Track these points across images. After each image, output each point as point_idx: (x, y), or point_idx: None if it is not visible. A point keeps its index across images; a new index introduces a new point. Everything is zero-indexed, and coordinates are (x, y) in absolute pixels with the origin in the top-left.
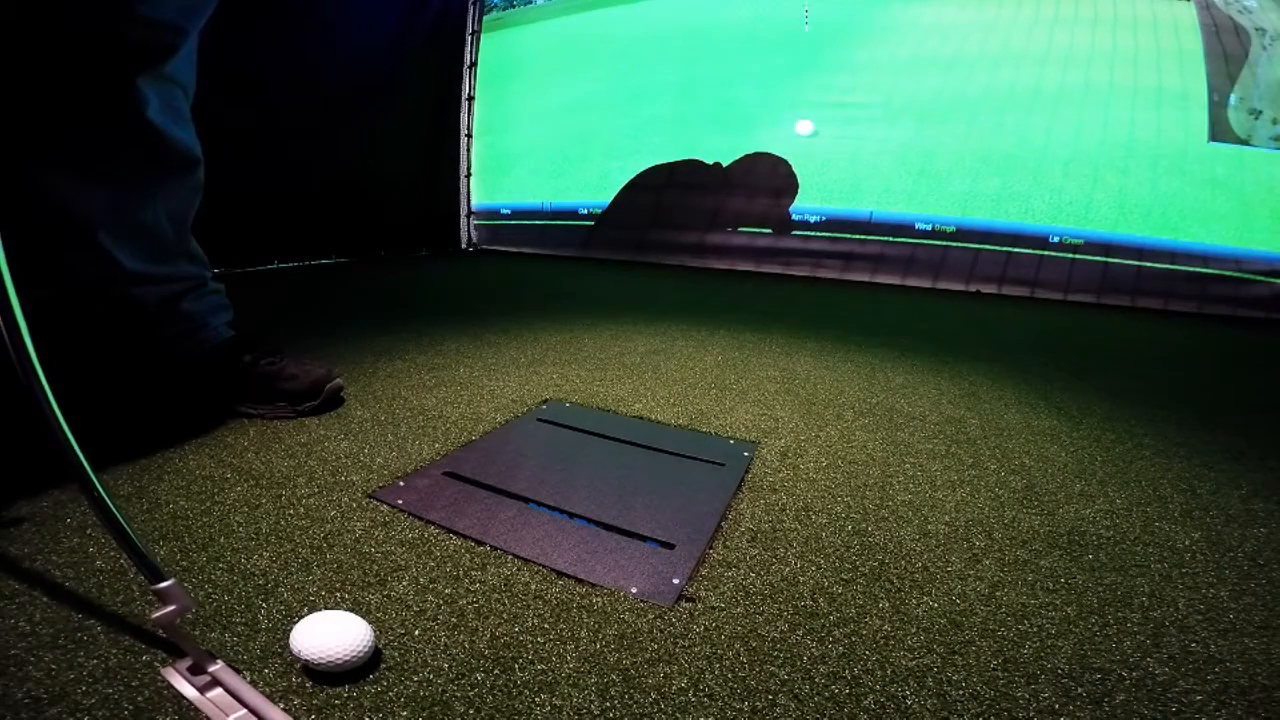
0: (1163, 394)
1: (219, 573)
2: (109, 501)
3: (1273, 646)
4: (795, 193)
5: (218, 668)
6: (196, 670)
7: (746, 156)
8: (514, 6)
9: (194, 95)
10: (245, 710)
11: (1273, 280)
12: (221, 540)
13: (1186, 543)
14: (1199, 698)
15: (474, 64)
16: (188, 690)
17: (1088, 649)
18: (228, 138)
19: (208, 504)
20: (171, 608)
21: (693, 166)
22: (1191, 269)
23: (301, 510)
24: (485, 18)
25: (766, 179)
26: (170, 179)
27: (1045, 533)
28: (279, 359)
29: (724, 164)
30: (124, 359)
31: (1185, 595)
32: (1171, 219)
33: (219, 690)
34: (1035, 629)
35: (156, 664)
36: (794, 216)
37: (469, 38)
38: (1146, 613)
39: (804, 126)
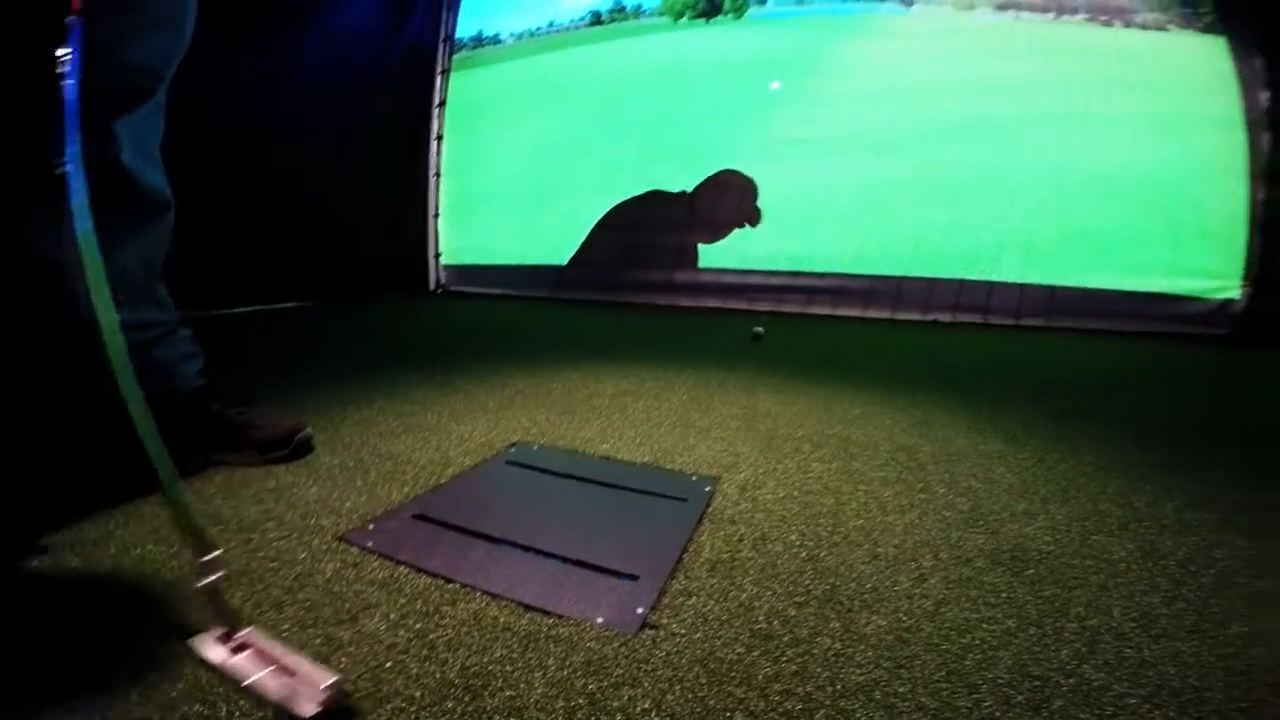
0: (1105, 412)
1: (192, 612)
2: (173, 483)
3: (1202, 649)
4: (758, 218)
5: (248, 632)
6: (228, 637)
7: (712, 182)
8: (483, 46)
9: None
10: (274, 667)
11: (1206, 297)
12: (190, 584)
13: (1122, 554)
14: (1133, 701)
15: (443, 102)
16: (218, 653)
17: (1027, 658)
18: (186, 176)
19: (174, 549)
20: (218, 574)
21: (661, 202)
22: (1132, 289)
23: (272, 553)
24: (455, 56)
25: (732, 214)
26: (142, 223)
27: (989, 550)
28: (248, 408)
29: (688, 189)
30: (93, 407)
31: (1120, 604)
32: (1108, 242)
33: (249, 652)
34: (978, 642)
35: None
36: (759, 251)
37: (439, 76)
38: (1083, 622)
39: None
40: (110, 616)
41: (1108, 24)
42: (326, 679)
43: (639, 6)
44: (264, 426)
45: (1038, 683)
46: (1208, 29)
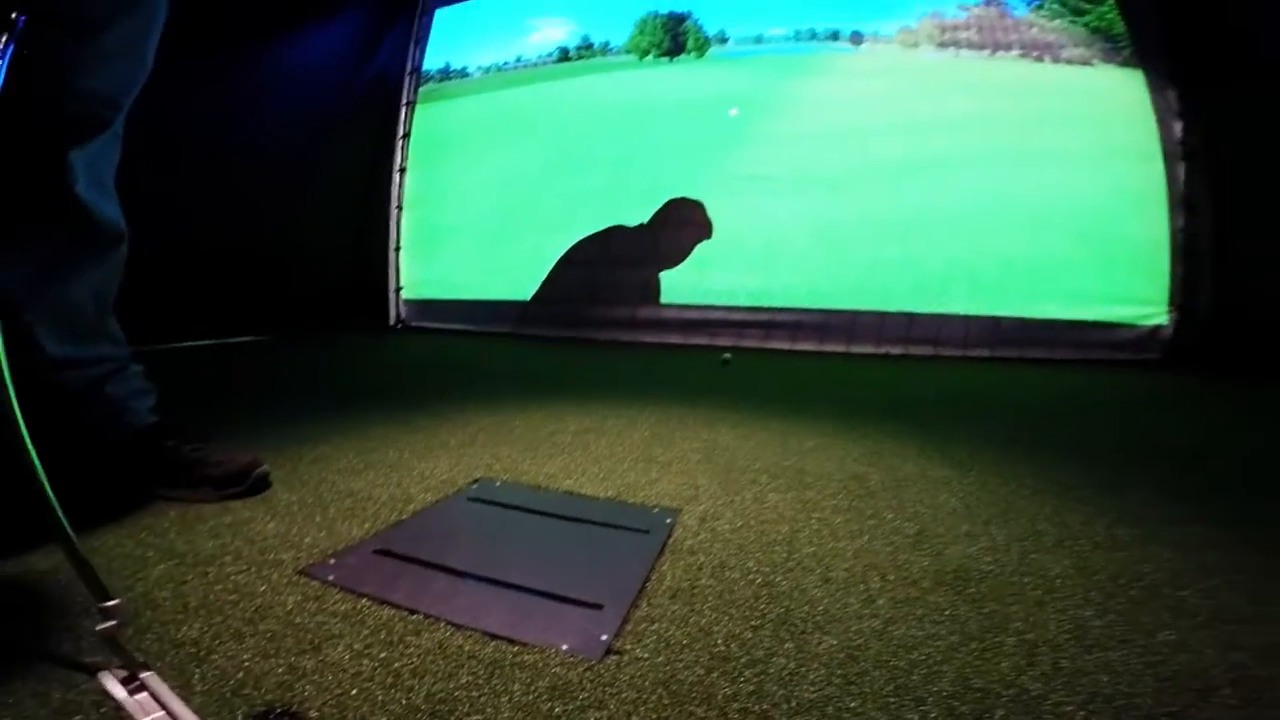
0: (1044, 438)
1: (148, 642)
2: (69, 530)
3: (1131, 657)
4: (711, 228)
5: (148, 675)
6: (130, 679)
7: (671, 213)
8: (450, 79)
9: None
10: (164, 713)
11: (1137, 324)
12: (148, 614)
13: (1058, 570)
14: (1069, 708)
15: (407, 134)
16: (118, 692)
17: (969, 672)
18: (138, 204)
19: (130, 580)
20: (114, 622)
21: (623, 236)
22: (1069, 318)
23: (230, 586)
24: (421, 88)
25: (692, 237)
26: (95, 256)
27: (933, 571)
28: (203, 445)
29: (645, 221)
30: (43, 443)
31: (1056, 618)
32: (1048, 272)
33: (145, 695)
34: (923, 658)
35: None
36: (720, 286)
37: (404, 108)
38: (1021, 636)
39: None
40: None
41: (1039, 60)
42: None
43: (606, 44)
44: (220, 463)
45: (980, 694)
46: (1126, 63)
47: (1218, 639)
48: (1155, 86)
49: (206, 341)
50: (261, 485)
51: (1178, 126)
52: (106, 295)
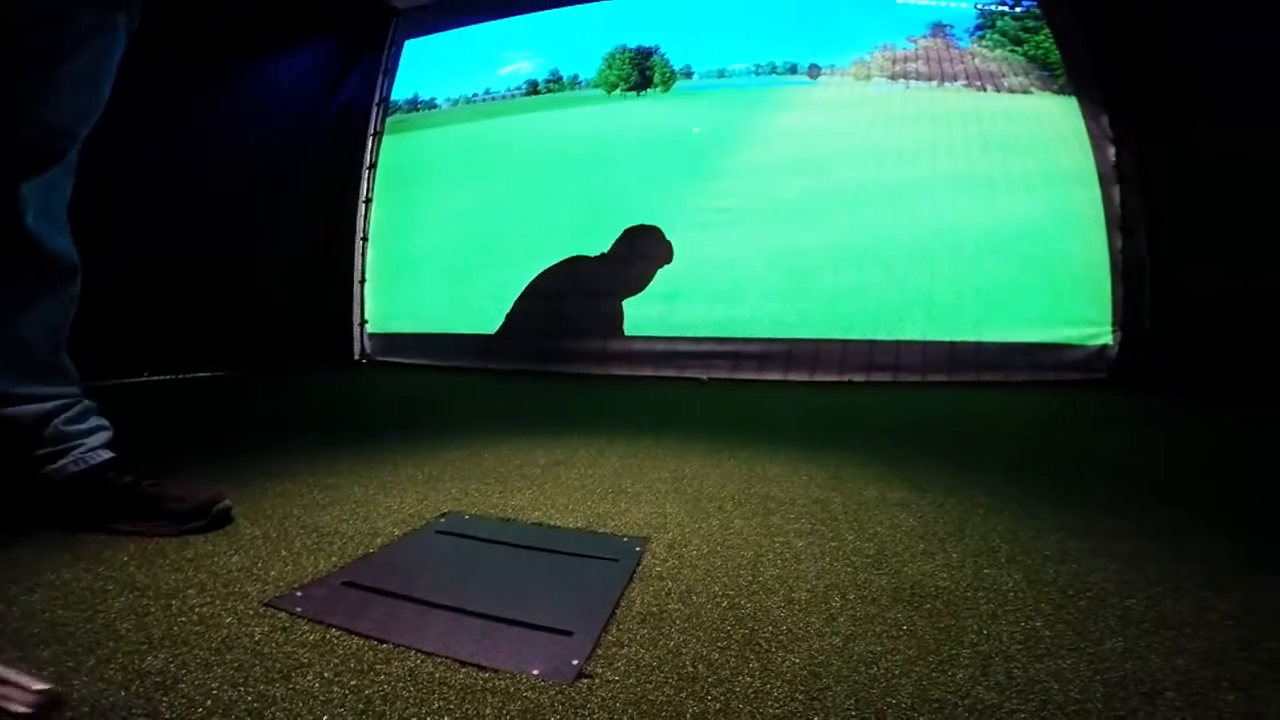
0: (999, 457)
1: (112, 672)
2: None
3: (1081, 665)
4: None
5: None
6: None
7: (635, 244)
8: (419, 110)
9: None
10: None
11: (1084, 344)
12: (110, 644)
13: (1010, 584)
14: (1023, 715)
15: (374, 165)
16: None
17: (927, 684)
18: (94, 237)
19: (89, 613)
20: None
21: (586, 268)
22: (1020, 340)
23: (195, 618)
24: (389, 119)
25: (657, 263)
26: (47, 290)
27: (892, 589)
28: (162, 481)
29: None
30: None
31: (1008, 629)
32: (998, 296)
33: None
34: (883, 671)
35: None
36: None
37: (370, 138)
38: (976, 647)
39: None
40: None
41: (982, 89)
42: (40, 685)
43: (575, 77)
44: (179, 498)
45: (937, 704)
46: (1061, 90)
47: (1162, 644)
48: (1089, 112)
49: (163, 377)
50: (223, 520)
51: (1111, 151)
52: (59, 330)
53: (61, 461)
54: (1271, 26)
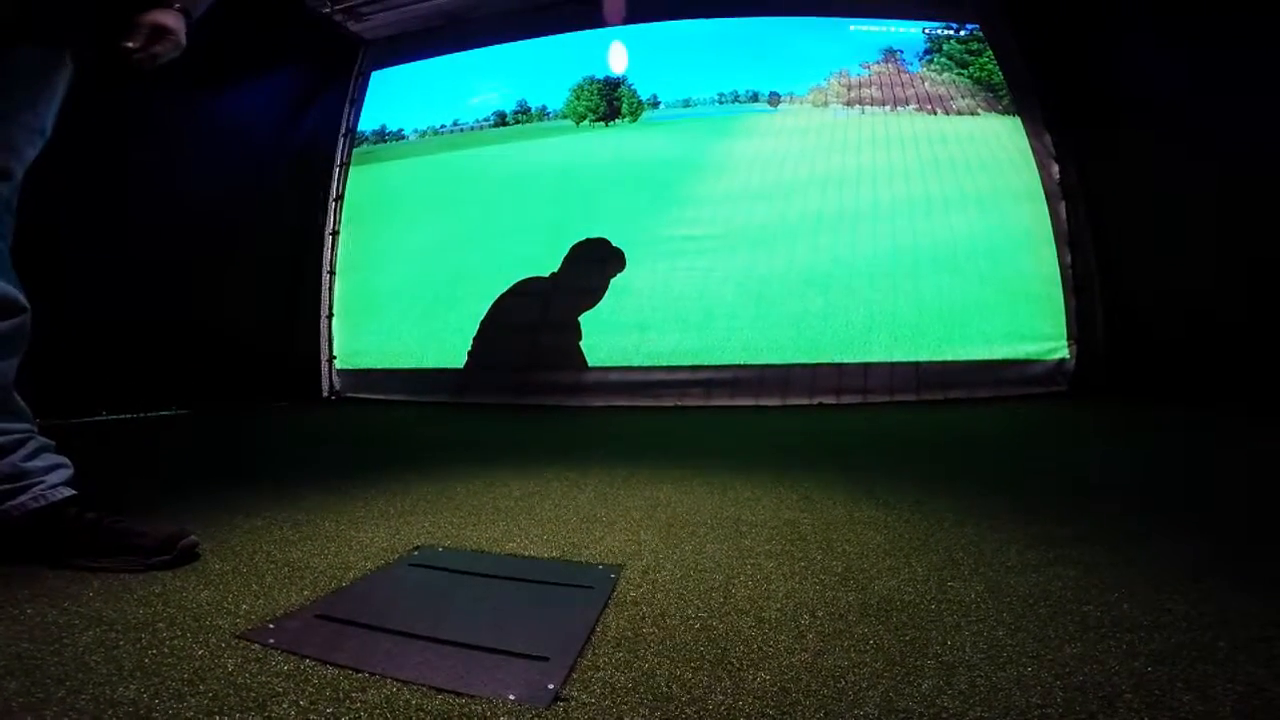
0: (964, 472)
1: (84, 702)
2: None
3: (1041, 670)
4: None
5: None
6: None
7: (578, 252)
8: (386, 141)
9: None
10: None
11: (1044, 359)
12: (80, 675)
13: (973, 595)
14: None
15: (340, 197)
16: None
17: (893, 695)
18: (48, 268)
19: (56, 646)
20: None
21: (549, 293)
22: (982, 358)
23: (166, 650)
24: (356, 150)
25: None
26: None
27: (859, 605)
28: (124, 518)
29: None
30: None
31: (971, 639)
32: (958, 315)
33: None
34: (850, 684)
35: None
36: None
37: (336, 170)
38: (940, 658)
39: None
40: None
41: (933, 112)
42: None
43: (543, 108)
44: (144, 534)
45: (903, 714)
46: (1006, 110)
47: (1119, 648)
48: (1032, 131)
49: (122, 415)
50: (190, 556)
51: (1055, 168)
52: (5, 371)
53: (22, 498)
54: (1206, 44)
